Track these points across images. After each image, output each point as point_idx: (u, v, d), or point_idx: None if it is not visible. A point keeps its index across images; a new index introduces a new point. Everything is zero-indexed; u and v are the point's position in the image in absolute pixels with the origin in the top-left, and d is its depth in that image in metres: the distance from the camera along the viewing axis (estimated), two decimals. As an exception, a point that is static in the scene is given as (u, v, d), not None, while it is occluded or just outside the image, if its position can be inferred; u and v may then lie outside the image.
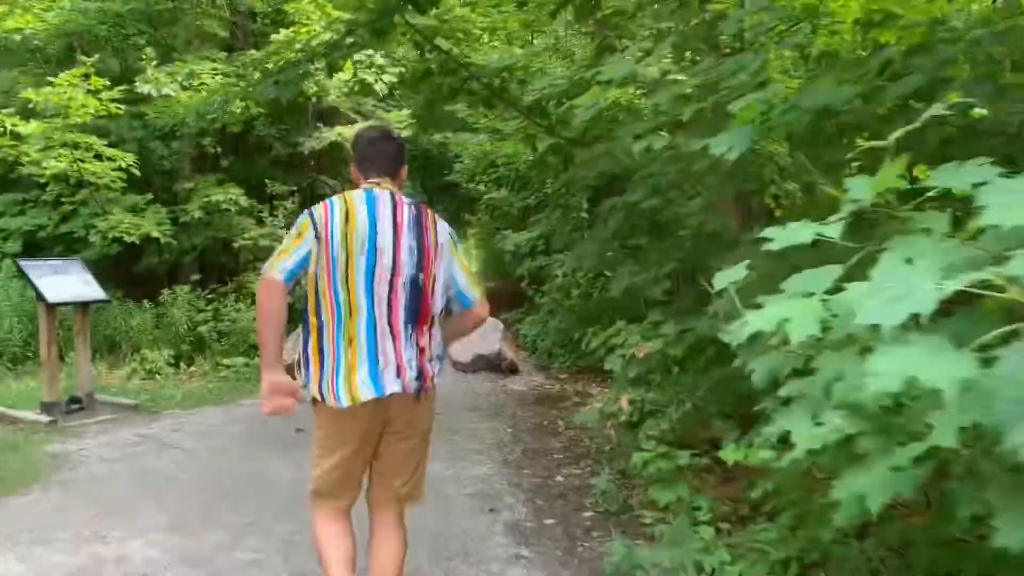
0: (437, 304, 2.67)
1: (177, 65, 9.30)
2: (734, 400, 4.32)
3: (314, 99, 11.02)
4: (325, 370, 2.56)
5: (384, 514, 2.77)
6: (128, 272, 10.11)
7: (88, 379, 6.79)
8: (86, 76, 8.29)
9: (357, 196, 2.62)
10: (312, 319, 2.58)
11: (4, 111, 8.40)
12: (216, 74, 9.12)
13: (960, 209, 1.55)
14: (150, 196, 9.76)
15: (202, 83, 8.70)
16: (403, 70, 11.21)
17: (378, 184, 2.70)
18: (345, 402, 2.51)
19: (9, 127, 8.28)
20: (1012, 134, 2.88)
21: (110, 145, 9.15)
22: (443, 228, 2.74)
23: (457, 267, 2.73)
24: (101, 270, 9.51)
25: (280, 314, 2.53)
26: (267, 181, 11.25)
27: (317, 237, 2.52)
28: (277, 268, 2.50)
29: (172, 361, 8.68)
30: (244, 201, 10.14)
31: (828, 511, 2.92)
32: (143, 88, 8.86)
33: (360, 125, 11.43)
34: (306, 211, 2.63)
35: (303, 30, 8.27)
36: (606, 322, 7.75)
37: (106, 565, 3.61)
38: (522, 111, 6.51)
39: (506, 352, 9.10)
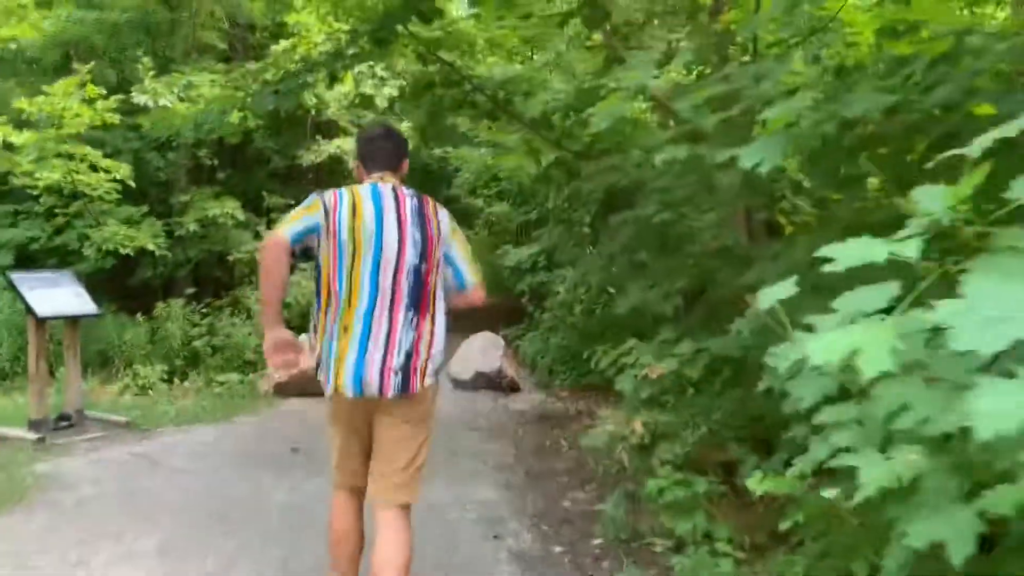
0: (439, 289, 2.81)
1: (175, 76, 9.16)
2: (751, 423, 4.16)
3: (313, 112, 10.90)
4: (322, 353, 2.72)
5: (384, 514, 2.81)
6: (122, 285, 9.93)
7: (78, 395, 6.60)
8: (81, 85, 8.14)
9: (363, 190, 2.76)
10: (316, 301, 2.76)
11: (-2, 121, 8.26)
12: (215, 85, 8.98)
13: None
14: (145, 208, 9.60)
15: (199, 94, 8.55)
16: (404, 83, 11.11)
17: (381, 179, 2.83)
18: (329, 390, 2.72)
19: (2, 137, 8.12)
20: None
21: (105, 156, 8.99)
22: (444, 215, 2.88)
23: (455, 248, 2.85)
24: (95, 283, 9.34)
25: (283, 273, 2.66)
26: (264, 194, 11.10)
27: (326, 216, 2.67)
28: (285, 230, 2.65)
29: (165, 376, 8.48)
30: (241, 214, 9.98)
31: (860, 543, 2.76)
32: (139, 99, 8.71)
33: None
34: (315, 193, 2.77)
35: (303, 42, 8.14)
36: (611, 340, 7.59)
37: (91, 595, 3.42)
38: (526, 124, 6.37)
39: (507, 370, 8.92)
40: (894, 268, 1.66)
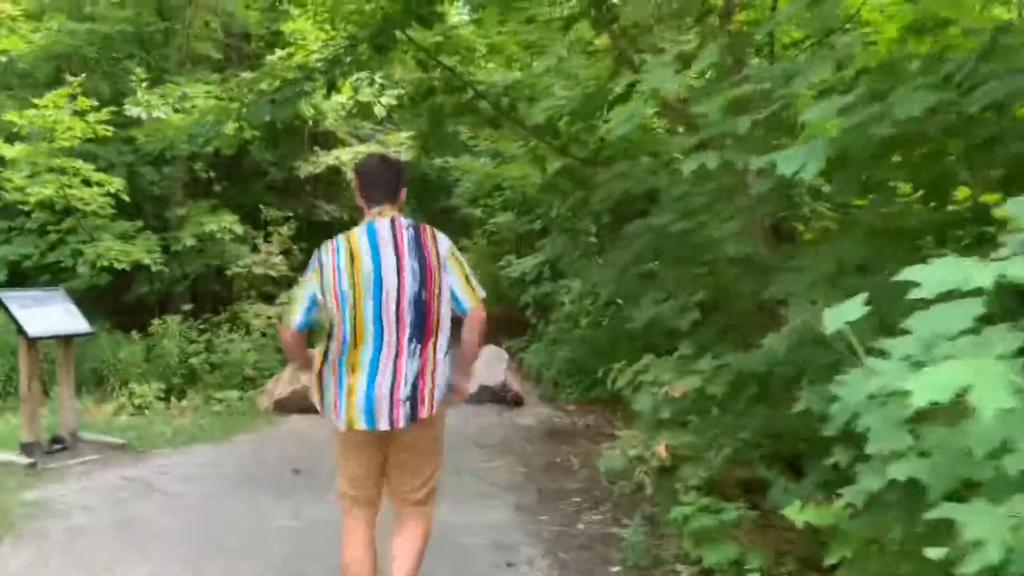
0: (443, 316, 2.89)
1: (169, 87, 8.96)
2: (776, 442, 3.96)
3: (311, 122, 10.70)
4: (329, 392, 2.90)
5: (405, 509, 3.06)
6: (117, 302, 9.71)
7: (72, 417, 6.38)
8: (72, 97, 7.94)
9: (359, 234, 2.89)
10: (326, 343, 2.90)
11: (-12, 135, 8.06)
12: (210, 96, 8.80)
13: None
14: (140, 223, 9.38)
15: (194, 106, 8.36)
16: (402, 92, 10.92)
17: (379, 213, 2.94)
18: (343, 425, 2.83)
19: (-8, 152, 7.94)
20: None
21: (99, 170, 8.78)
22: (443, 242, 2.95)
23: (453, 276, 2.92)
24: (89, 300, 9.11)
25: (302, 355, 3.06)
26: (261, 207, 10.90)
27: (323, 277, 2.85)
28: (291, 323, 2.93)
29: (162, 395, 8.25)
30: (238, 228, 9.77)
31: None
32: (133, 111, 8.52)
33: (358, 148, 11.14)
34: (315, 255, 2.94)
35: (300, 50, 7.96)
36: (622, 354, 7.39)
37: (80, 637, 3.21)
38: (530, 131, 6.18)
39: (511, 383, 8.71)
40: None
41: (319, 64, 5.55)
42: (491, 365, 8.73)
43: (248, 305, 10.03)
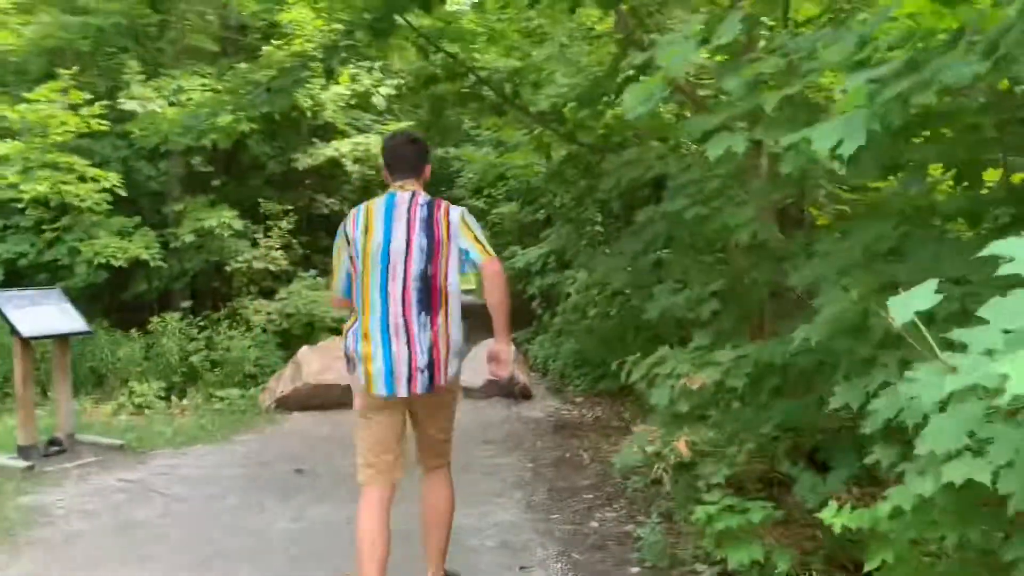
0: (449, 290, 3.04)
1: (164, 80, 8.79)
2: (797, 436, 3.81)
3: (309, 114, 10.52)
4: (352, 356, 3.05)
5: (430, 474, 3.30)
6: (115, 300, 9.56)
7: (69, 418, 6.24)
8: (64, 91, 7.77)
9: (378, 204, 3.07)
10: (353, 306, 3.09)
11: (-21, 132, 7.89)
12: (206, 89, 8.63)
13: None
14: (138, 219, 9.20)
15: (190, 99, 8.19)
16: (402, 82, 10.73)
17: (402, 186, 3.11)
18: (362, 384, 3.00)
19: (-16, 149, 7.77)
20: None
21: (94, 165, 8.61)
22: (455, 215, 3.10)
23: (463, 237, 3.05)
24: (87, 298, 8.97)
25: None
26: (260, 201, 10.73)
27: (348, 245, 3.06)
28: (336, 290, 3.20)
29: (162, 394, 8.11)
30: (237, 223, 9.59)
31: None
32: (127, 104, 8.34)
33: (357, 140, 10.95)
34: (341, 225, 3.15)
35: (297, 40, 7.78)
36: (630, 344, 7.22)
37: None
38: (535, 118, 6.01)
39: (519, 376, 8.55)
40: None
41: (316, 52, 5.37)
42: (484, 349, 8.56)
43: (248, 301, 9.87)
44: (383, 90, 9.86)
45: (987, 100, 3.06)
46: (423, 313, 2.95)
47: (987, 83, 2.76)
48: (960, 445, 1.66)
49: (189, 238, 9.23)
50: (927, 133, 3.22)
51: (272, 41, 9.63)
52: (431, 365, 2.95)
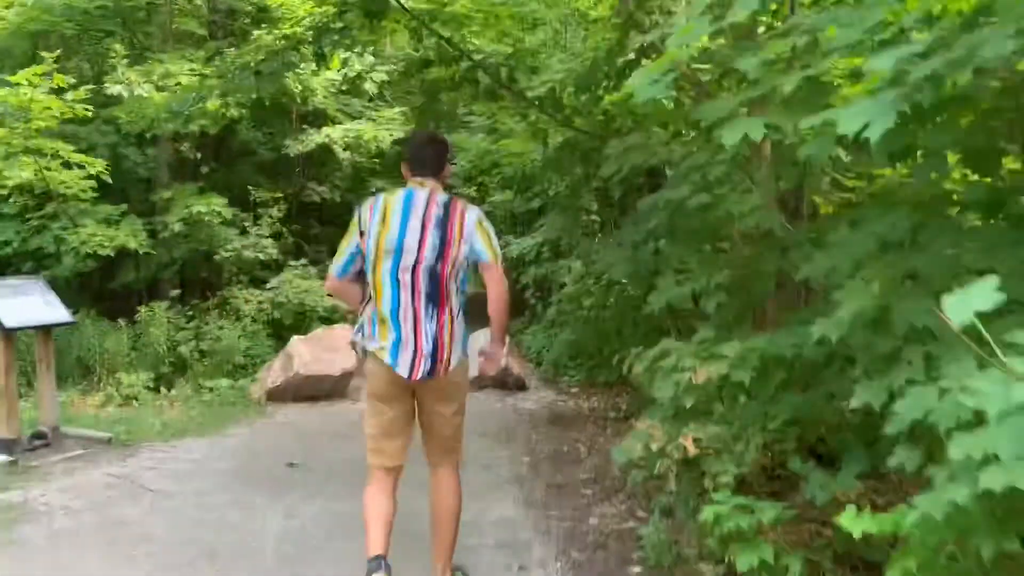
0: (456, 287, 3.17)
1: (152, 64, 8.59)
2: (799, 430, 3.69)
3: (299, 100, 10.33)
4: (366, 337, 3.17)
5: (437, 471, 3.35)
6: (102, 289, 9.39)
7: (53, 411, 6.08)
8: (47, 74, 7.57)
9: (396, 198, 3.17)
10: (367, 292, 3.21)
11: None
12: (194, 74, 8.43)
13: None
14: (124, 207, 9.02)
15: (178, 83, 7.99)
16: (393, 67, 10.55)
17: (421, 183, 3.21)
18: (370, 366, 3.19)
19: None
20: None
21: (80, 151, 8.41)
22: (471, 217, 3.19)
23: (477, 238, 3.16)
24: (74, 287, 8.81)
25: (347, 298, 3.37)
26: (250, 188, 10.55)
27: (362, 233, 3.16)
28: (334, 268, 3.29)
29: (151, 385, 7.95)
30: (227, 211, 9.40)
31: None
32: (113, 89, 8.15)
33: (348, 126, 10.78)
34: (357, 210, 3.25)
35: (287, 23, 7.59)
36: (627, 335, 7.10)
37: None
38: (531, 103, 5.86)
39: (513, 367, 8.43)
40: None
41: (307, 33, 5.20)
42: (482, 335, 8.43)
43: (238, 290, 9.71)
44: (375, 75, 9.67)
45: (1005, 83, 2.94)
46: (430, 305, 3.10)
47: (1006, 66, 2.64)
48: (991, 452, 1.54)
49: (177, 226, 9.05)
50: (940, 118, 3.10)
51: (262, 25, 9.44)
52: (434, 353, 3.08)
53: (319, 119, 11.15)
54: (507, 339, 3.41)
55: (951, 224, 2.95)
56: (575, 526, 4.25)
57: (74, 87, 7.91)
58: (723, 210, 3.75)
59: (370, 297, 3.17)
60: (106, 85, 8.30)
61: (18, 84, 7.46)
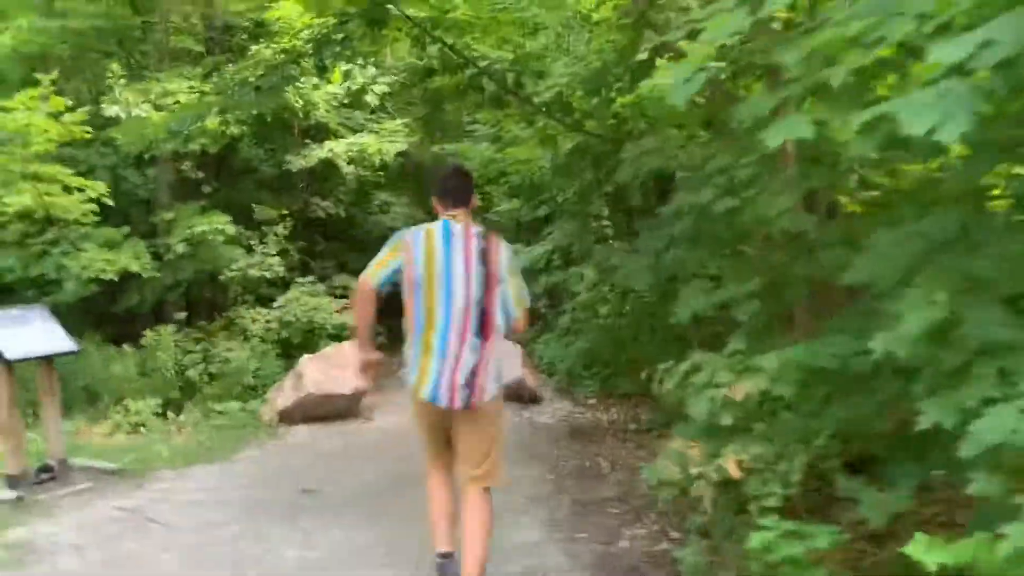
0: (499, 320, 3.34)
1: (149, 83, 8.44)
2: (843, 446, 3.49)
3: (300, 115, 10.18)
4: (410, 366, 3.32)
5: (468, 495, 3.41)
6: (107, 314, 9.21)
7: (59, 443, 5.90)
8: (44, 98, 7.42)
9: (436, 232, 3.31)
10: (406, 325, 3.35)
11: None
12: (193, 92, 8.28)
13: None
14: (127, 229, 8.86)
15: (176, 102, 7.84)
16: (395, 79, 10.40)
17: (454, 217, 3.37)
18: (411, 383, 3.31)
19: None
20: None
21: (80, 174, 8.26)
22: (505, 254, 3.41)
23: (509, 287, 3.36)
24: (78, 313, 8.63)
25: (369, 310, 3.36)
26: (254, 206, 10.39)
27: (404, 256, 3.27)
28: (374, 277, 3.30)
29: (159, 411, 7.77)
30: (231, 229, 9.23)
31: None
32: (111, 110, 8.00)
33: (351, 140, 10.64)
34: (397, 233, 3.41)
35: (286, 38, 7.44)
36: (648, 344, 6.91)
37: None
38: (539, 109, 5.68)
39: (527, 379, 8.24)
40: None
41: (307, 46, 5.03)
42: (506, 360, 8.25)
43: (245, 310, 9.54)
44: (377, 88, 9.52)
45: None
46: (477, 337, 3.25)
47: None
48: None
49: (181, 247, 8.88)
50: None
51: (260, 41, 9.31)
52: (471, 385, 3.22)
53: (321, 133, 11.01)
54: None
55: (1004, 220, 2.75)
56: (605, 549, 4.05)
57: (71, 109, 7.77)
58: (752, 214, 3.56)
59: (414, 324, 3.28)
60: (104, 106, 8.15)
61: (15, 109, 7.31)
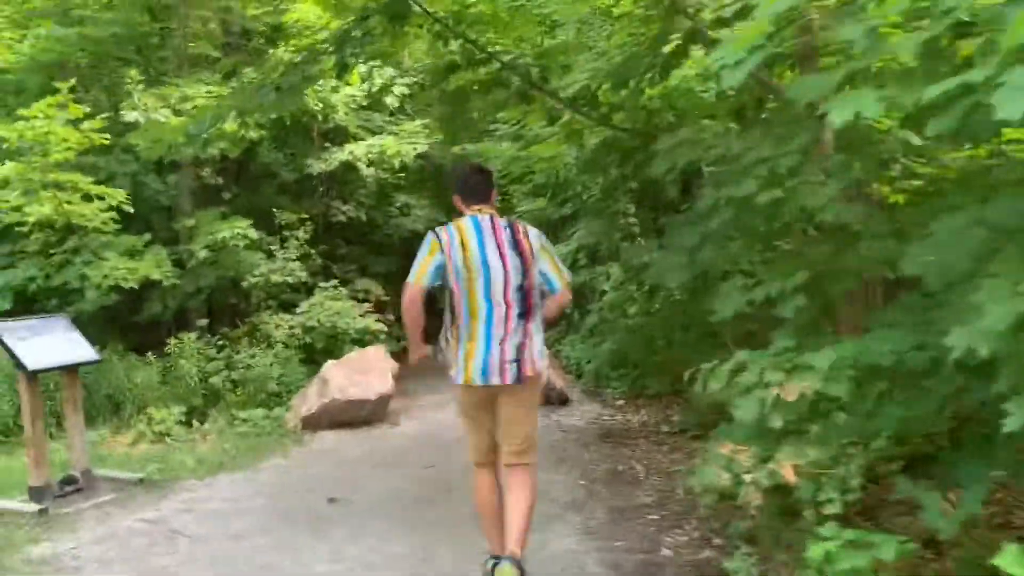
0: (538, 300, 3.53)
1: (168, 88, 8.36)
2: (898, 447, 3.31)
3: (319, 118, 10.08)
4: (453, 355, 3.50)
5: (512, 471, 3.57)
6: (129, 322, 9.14)
7: (83, 454, 5.82)
8: (63, 105, 7.35)
9: (466, 225, 3.49)
10: (448, 316, 3.53)
11: (-23, 155, 7.49)
12: (211, 96, 8.19)
13: None
14: (148, 236, 8.78)
15: (195, 107, 7.75)
16: (414, 80, 10.29)
17: (479, 211, 3.56)
18: (461, 380, 3.47)
19: (-18, 172, 7.37)
20: None
21: (100, 182, 8.19)
22: (535, 235, 3.58)
23: (545, 262, 3.55)
24: (100, 322, 8.56)
25: (418, 311, 3.51)
26: (275, 211, 10.30)
27: (443, 253, 3.44)
28: (419, 278, 3.45)
29: (183, 419, 7.67)
30: (253, 234, 9.13)
31: None
32: (130, 115, 7.92)
33: (371, 142, 10.54)
34: (431, 233, 3.53)
35: (305, 37, 7.33)
36: (682, 344, 6.73)
37: None
38: (565, 103, 5.52)
39: (555, 381, 8.08)
40: None
41: (327, 44, 4.90)
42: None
43: (268, 316, 9.45)
44: (396, 89, 9.39)
45: None
46: (520, 319, 3.44)
47: None
48: None
49: (203, 253, 8.78)
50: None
51: (277, 44, 9.24)
52: (519, 360, 3.40)
53: (340, 136, 10.91)
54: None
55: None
56: (647, 558, 3.88)
57: (90, 116, 7.70)
58: (795, 205, 3.39)
59: (457, 317, 3.45)
60: (123, 112, 8.08)
61: (34, 117, 7.25)
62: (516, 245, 3.46)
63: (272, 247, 9.89)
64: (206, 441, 7.36)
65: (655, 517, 4.49)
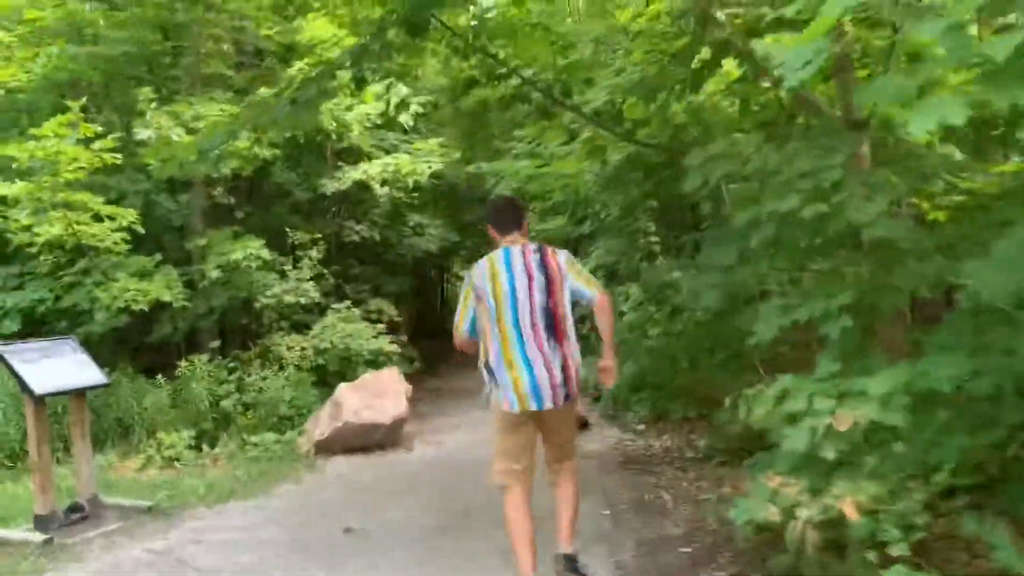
0: (568, 318, 3.65)
1: (181, 106, 8.26)
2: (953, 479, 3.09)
3: (334, 136, 9.96)
4: (496, 385, 3.63)
5: (560, 471, 3.84)
6: (140, 344, 8.99)
7: (90, 480, 5.64)
8: (73, 124, 7.25)
9: (497, 258, 3.68)
10: (483, 346, 3.70)
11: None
12: (225, 114, 8.08)
13: None
14: (159, 257, 8.64)
15: (208, 124, 7.63)
16: (429, 98, 10.18)
17: (512, 241, 3.77)
18: (517, 408, 3.57)
19: (-4, 192, 7.26)
20: None
21: (111, 202, 8.08)
22: (562, 257, 3.74)
23: (573, 279, 3.69)
24: (110, 344, 8.43)
25: (474, 350, 3.77)
26: (288, 230, 10.16)
27: (476, 296, 3.69)
28: (462, 329, 3.76)
29: (192, 443, 7.50)
30: (266, 254, 8.98)
31: None
32: (143, 134, 7.81)
33: (386, 160, 10.42)
34: (466, 276, 3.83)
35: (321, 51, 7.21)
36: (707, 367, 6.51)
37: None
38: (587, 118, 5.36)
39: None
40: None
41: (343, 58, 4.76)
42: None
43: (280, 337, 9.28)
44: (412, 106, 9.26)
45: None
46: (551, 339, 3.56)
47: None
48: None
49: (215, 274, 8.63)
50: None
51: (290, 64, 9.14)
52: (565, 381, 3.57)
53: (353, 155, 10.79)
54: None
55: None
56: (683, 597, 3.66)
57: (101, 136, 7.59)
58: (843, 220, 3.20)
59: (492, 346, 3.59)
60: (135, 131, 7.97)
61: (44, 137, 7.14)
62: (544, 265, 3.61)
63: (285, 267, 9.74)
64: (216, 466, 7.18)
65: (687, 550, 4.26)
